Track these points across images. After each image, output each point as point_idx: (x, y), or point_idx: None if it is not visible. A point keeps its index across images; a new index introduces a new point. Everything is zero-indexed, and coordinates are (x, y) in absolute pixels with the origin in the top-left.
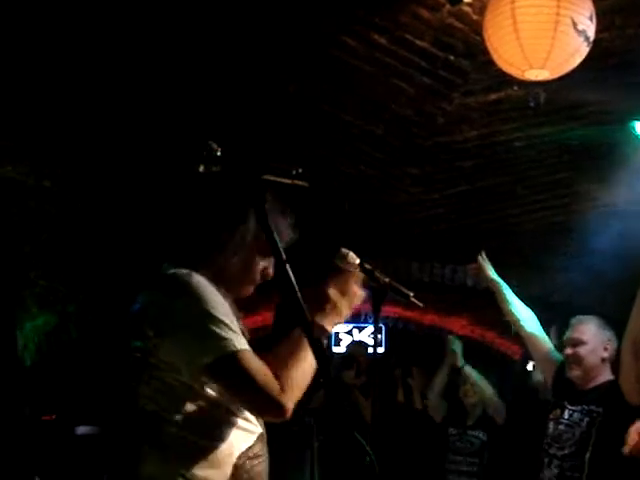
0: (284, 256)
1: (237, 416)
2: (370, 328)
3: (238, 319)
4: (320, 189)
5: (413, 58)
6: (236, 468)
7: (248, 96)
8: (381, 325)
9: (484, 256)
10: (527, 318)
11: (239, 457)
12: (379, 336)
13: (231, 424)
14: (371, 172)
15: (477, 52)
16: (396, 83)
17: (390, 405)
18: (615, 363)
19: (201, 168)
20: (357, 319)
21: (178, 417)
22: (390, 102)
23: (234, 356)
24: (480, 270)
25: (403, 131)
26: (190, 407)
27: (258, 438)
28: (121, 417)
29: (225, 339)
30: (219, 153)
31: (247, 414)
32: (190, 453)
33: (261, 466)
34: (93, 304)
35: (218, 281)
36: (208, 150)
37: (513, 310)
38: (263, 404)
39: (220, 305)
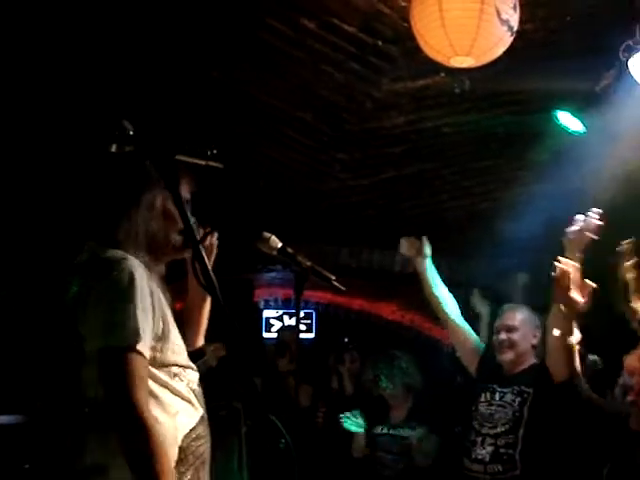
0: (197, 237)
1: (180, 398)
2: (301, 313)
3: (165, 292)
4: (236, 169)
5: (342, 44)
6: (181, 450)
7: (171, 78)
8: (311, 311)
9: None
10: (450, 304)
11: (183, 439)
12: (309, 321)
13: (173, 407)
14: (299, 158)
15: (405, 38)
16: (325, 68)
17: (325, 392)
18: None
19: (113, 148)
20: (287, 305)
21: None
22: (319, 88)
23: (124, 351)
24: (417, 245)
25: (332, 117)
26: None
27: (200, 420)
28: (55, 405)
29: (126, 330)
30: (132, 132)
31: (190, 396)
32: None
33: (204, 447)
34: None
35: (140, 251)
36: (121, 129)
37: (436, 292)
38: (121, 410)
39: (141, 296)
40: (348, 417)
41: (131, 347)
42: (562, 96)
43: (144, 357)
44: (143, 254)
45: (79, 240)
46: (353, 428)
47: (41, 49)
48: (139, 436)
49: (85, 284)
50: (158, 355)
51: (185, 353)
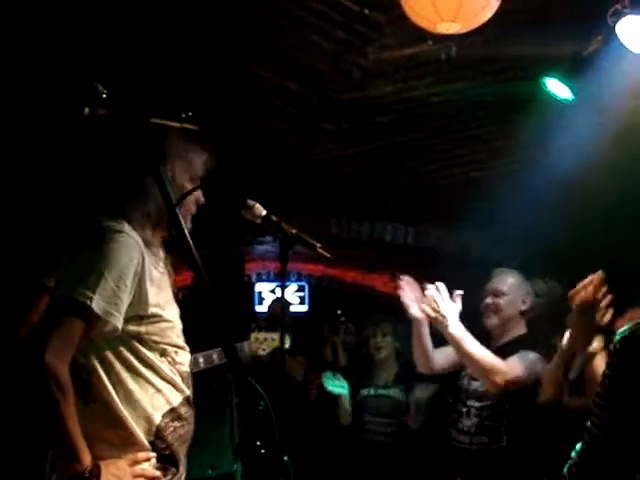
0: (174, 200)
1: (161, 378)
2: (294, 286)
3: (165, 260)
4: (221, 139)
5: (328, 11)
6: (159, 429)
7: (155, 44)
8: (304, 283)
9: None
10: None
11: (161, 418)
12: (302, 294)
13: (153, 385)
14: (286, 128)
15: (392, 6)
16: (310, 37)
17: (319, 363)
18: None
19: (86, 111)
20: (280, 278)
21: (102, 372)
22: (304, 56)
23: (67, 301)
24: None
25: (318, 86)
26: (113, 364)
27: (183, 401)
28: None
29: (81, 287)
30: (104, 95)
31: (175, 377)
32: (113, 412)
33: (185, 428)
34: None
35: (147, 224)
36: (93, 92)
37: (428, 347)
38: (32, 350)
39: (119, 271)
40: (329, 377)
41: (75, 302)
42: (550, 62)
43: (87, 319)
44: (149, 228)
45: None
46: (336, 390)
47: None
48: (37, 380)
49: (76, 249)
50: (143, 332)
51: (180, 333)
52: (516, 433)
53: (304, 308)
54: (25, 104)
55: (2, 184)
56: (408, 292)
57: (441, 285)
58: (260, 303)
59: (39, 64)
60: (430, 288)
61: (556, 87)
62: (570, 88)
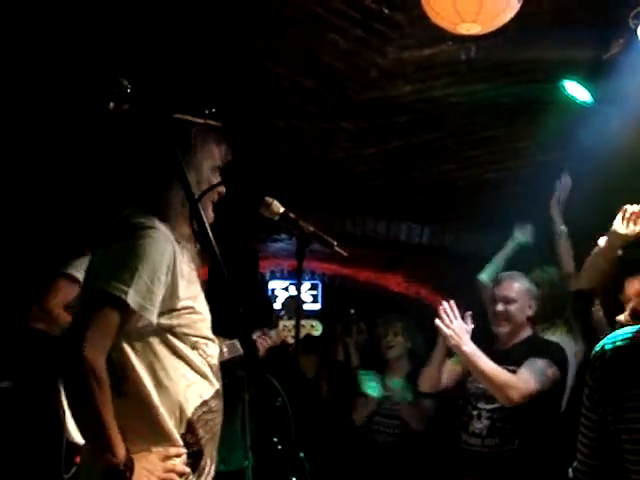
0: (196, 193)
1: (195, 371)
2: (307, 284)
3: (195, 259)
4: (240, 136)
5: (347, 10)
6: (190, 422)
7: (174, 41)
8: (317, 282)
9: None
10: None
11: (193, 411)
12: (315, 292)
13: (186, 378)
14: (303, 126)
15: (412, 6)
16: (329, 35)
17: (331, 362)
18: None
19: (111, 105)
20: (294, 276)
21: (135, 364)
22: (323, 55)
23: (103, 295)
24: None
25: (336, 85)
26: (146, 357)
27: (215, 394)
28: None
29: (116, 280)
30: (129, 90)
31: (206, 370)
32: (146, 404)
33: (216, 421)
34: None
35: (177, 220)
36: (118, 87)
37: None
38: (69, 343)
39: (152, 265)
40: (365, 378)
41: (111, 296)
42: (570, 65)
43: (123, 313)
44: (178, 222)
45: (120, 205)
46: (371, 391)
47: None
48: (75, 372)
49: (108, 244)
50: (175, 324)
51: (209, 325)
52: (528, 435)
53: (317, 306)
54: (52, 99)
55: (26, 177)
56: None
57: (453, 304)
58: (274, 301)
59: (66, 61)
60: (444, 306)
61: (576, 90)
62: (590, 91)
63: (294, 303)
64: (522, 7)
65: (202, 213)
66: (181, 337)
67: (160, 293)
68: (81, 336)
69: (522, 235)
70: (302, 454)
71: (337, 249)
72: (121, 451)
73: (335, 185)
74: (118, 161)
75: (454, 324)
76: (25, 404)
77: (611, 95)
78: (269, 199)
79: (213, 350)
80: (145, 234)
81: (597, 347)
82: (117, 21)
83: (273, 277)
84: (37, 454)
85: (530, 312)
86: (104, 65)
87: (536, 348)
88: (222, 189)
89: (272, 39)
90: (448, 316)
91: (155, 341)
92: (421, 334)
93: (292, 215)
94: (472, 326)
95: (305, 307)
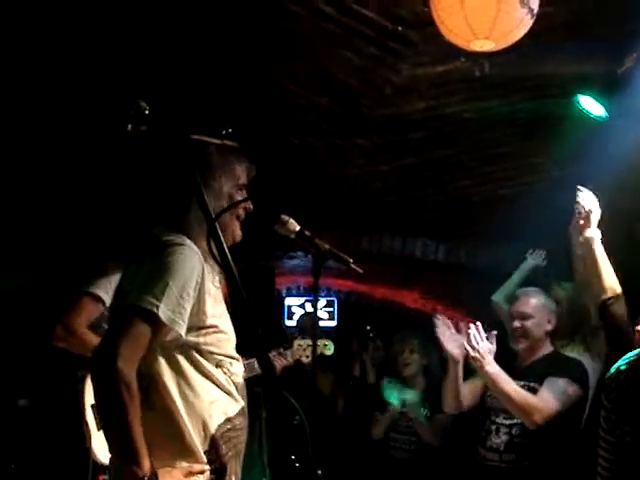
0: (213, 212)
1: (219, 388)
2: (323, 301)
3: (220, 278)
4: (255, 155)
5: (361, 28)
6: (214, 439)
7: (190, 61)
8: (333, 299)
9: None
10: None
11: (217, 428)
12: (331, 309)
13: (211, 395)
14: (318, 143)
15: (426, 23)
16: (343, 53)
17: (347, 379)
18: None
19: (129, 127)
20: (309, 292)
21: (163, 379)
22: (338, 72)
23: (134, 309)
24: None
25: (351, 102)
26: (173, 372)
27: (240, 411)
28: None
29: (147, 295)
30: (147, 112)
31: (231, 388)
32: (171, 419)
33: (240, 438)
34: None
35: (203, 238)
36: (136, 109)
37: (461, 387)
38: (101, 356)
39: (183, 282)
40: (389, 386)
41: (143, 310)
42: (584, 80)
43: (154, 326)
44: (200, 243)
45: (147, 225)
46: (393, 401)
47: (57, 29)
48: (109, 384)
49: (139, 261)
50: (202, 342)
51: (234, 344)
52: (546, 450)
53: (333, 323)
54: (71, 119)
55: (49, 197)
56: (444, 330)
57: (479, 325)
58: (290, 318)
59: (86, 83)
60: (471, 327)
61: (590, 105)
62: (604, 106)
63: (309, 320)
64: (535, 23)
65: (220, 233)
66: (206, 355)
67: (189, 308)
68: (114, 349)
69: (534, 259)
70: (320, 471)
71: (353, 266)
72: (147, 463)
73: (350, 201)
74: (139, 182)
75: (480, 345)
76: (45, 422)
77: (626, 109)
78: (285, 217)
79: (237, 369)
80: (175, 250)
81: (612, 369)
82: (135, 43)
83: (289, 294)
84: (60, 472)
85: (549, 327)
86: (122, 87)
87: (557, 365)
88: (249, 205)
89: (287, 58)
90: (474, 337)
91: (181, 357)
92: (437, 351)
93: (308, 233)
94: (495, 346)
95: (321, 324)
